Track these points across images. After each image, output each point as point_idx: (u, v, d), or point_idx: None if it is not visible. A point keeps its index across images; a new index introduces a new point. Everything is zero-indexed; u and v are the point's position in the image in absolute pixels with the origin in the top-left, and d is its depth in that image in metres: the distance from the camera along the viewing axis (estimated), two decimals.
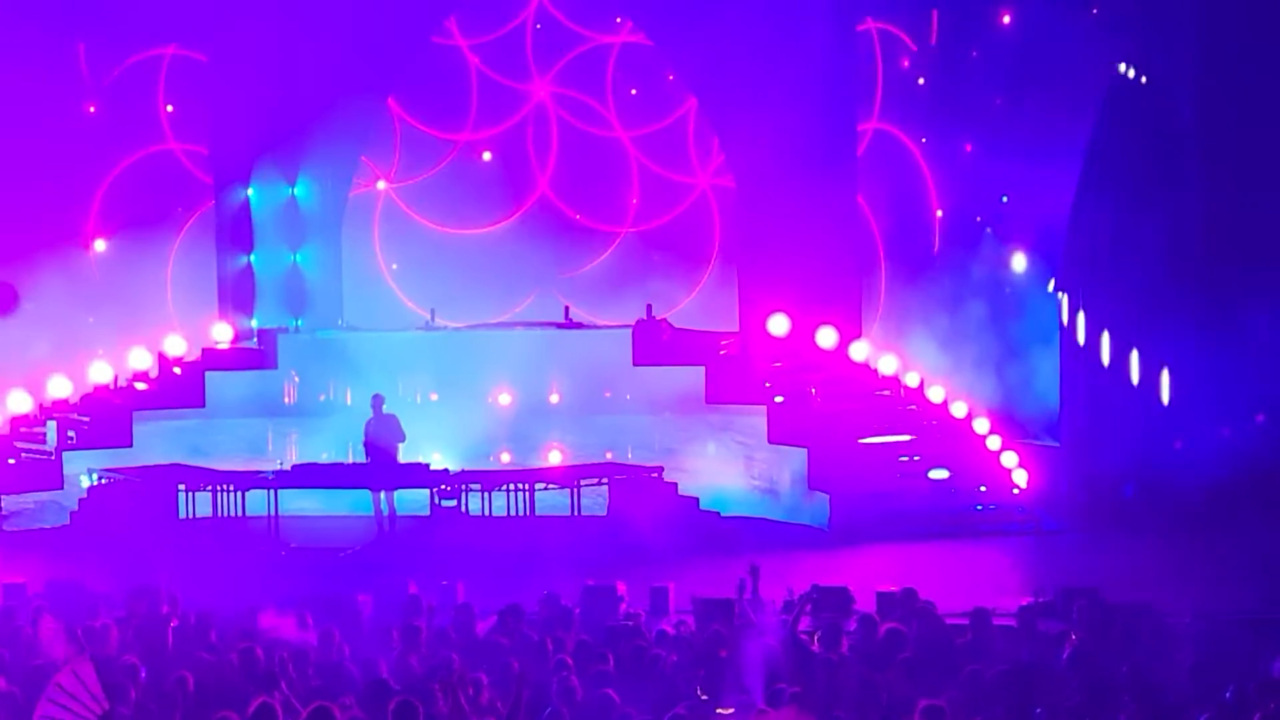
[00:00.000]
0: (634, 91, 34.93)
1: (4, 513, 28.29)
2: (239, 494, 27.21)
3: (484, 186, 35.00)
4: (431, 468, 27.24)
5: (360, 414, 28.80)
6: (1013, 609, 18.86)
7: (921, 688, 13.38)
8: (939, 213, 31.97)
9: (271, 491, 26.78)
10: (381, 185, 34.92)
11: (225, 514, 27.28)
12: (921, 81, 32.51)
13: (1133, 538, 26.23)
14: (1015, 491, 28.24)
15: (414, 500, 27.24)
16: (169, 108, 33.77)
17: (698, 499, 27.54)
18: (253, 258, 33.13)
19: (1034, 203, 29.53)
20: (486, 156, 35.44)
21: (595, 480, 27.22)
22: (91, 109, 33.24)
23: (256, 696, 12.88)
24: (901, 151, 32.34)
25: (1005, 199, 31.08)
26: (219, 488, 27.37)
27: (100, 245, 33.29)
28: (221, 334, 32.13)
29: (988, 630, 16.79)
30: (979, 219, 31.60)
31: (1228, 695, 13.65)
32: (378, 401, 28.08)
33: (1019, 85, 29.73)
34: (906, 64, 32.63)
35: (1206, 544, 24.86)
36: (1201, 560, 24.16)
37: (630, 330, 31.58)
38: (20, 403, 29.47)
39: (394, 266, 35.26)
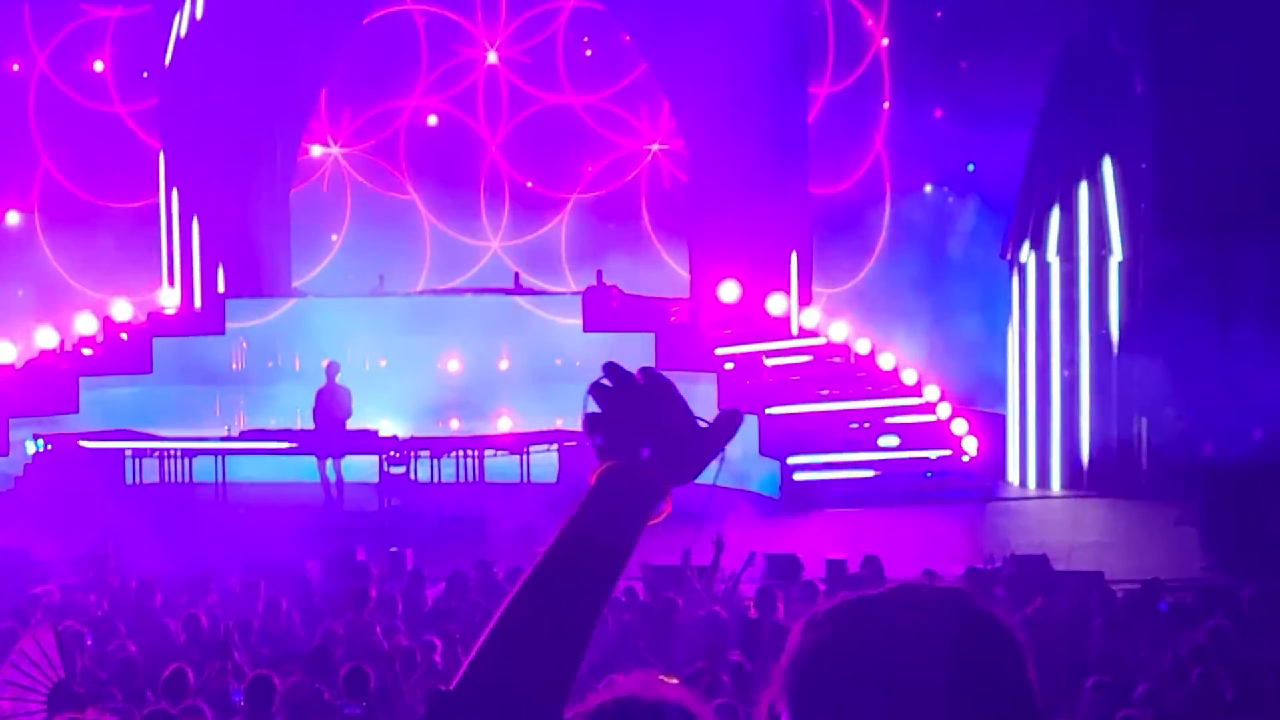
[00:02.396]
0: (589, 54, 34.81)
1: None
2: (186, 460, 27.06)
3: (431, 152, 34.85)
4: (380, 434, 27.12)
5: (309, 380, 28.64)
6: (960, 575, 18.86)
7: None
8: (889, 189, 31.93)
9: (219, 458, 26.63)
10: (317, 151, 34.70)
11: (172, 480, 27.12)
12: (886, 43, 32.42)
13: (1084, 506, 26.31)
14: (965, 459, 28.27)
15: (362, 467, 27.10)
16: (98, 65, 33.55)
17: None
18: (197, 223, 32.86)
19: (999, 170, 29.50)
20: (432, 120, 35.29)
21: (545, 446, 27.14)
22: (15, 67, 33.00)
23: (207, 663, 12.78)
24: (859, 116, 32.24)
25: (971, 167, 31.06)
26: (166, 454, 27.21)
27: (13, 217, 33.08)
28: (168, 299, 31.92)
29: None
30: (945, 188, 31.61)
31: (1168, 660, 13.69)
32: (332, 369, 27.89)
33: (984, 49, 29.65)
34: (869, 24, 32.51)
35: (1157, 513, 24.94)
36: (1150, 529, 24.23)
37: (580, 297, 31.48)
38: None
39: (334, 238, 35.11)
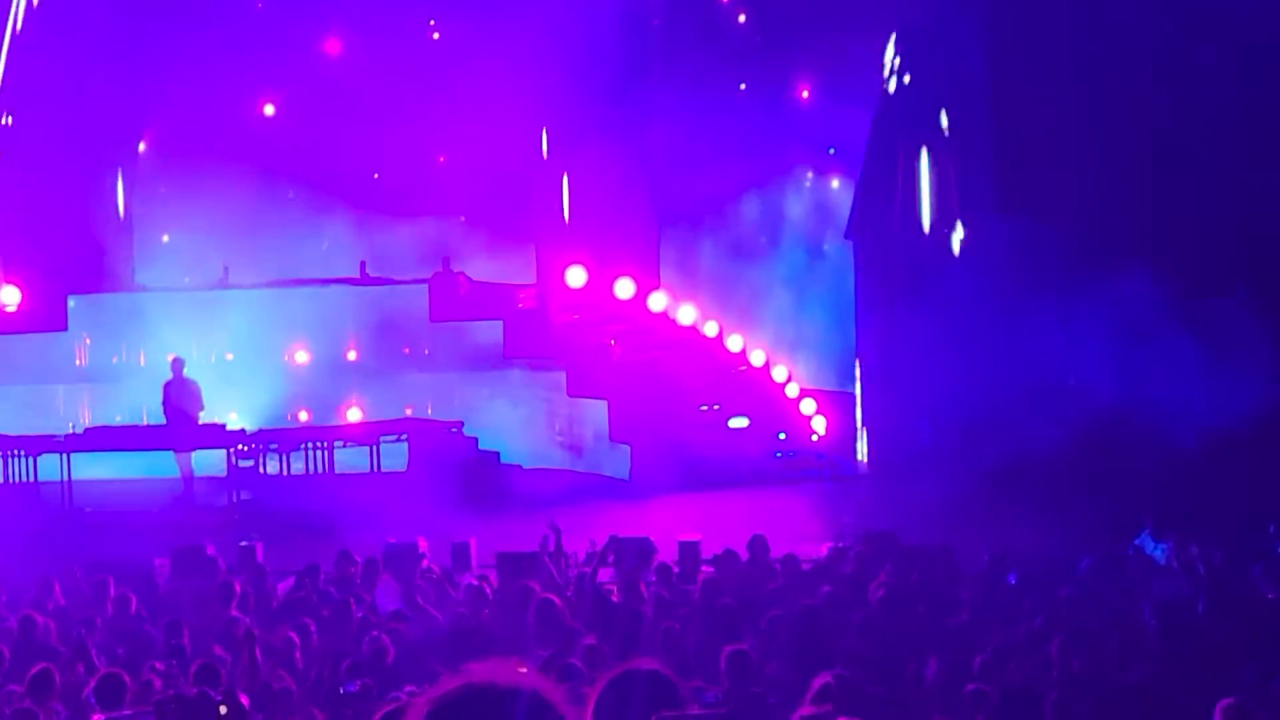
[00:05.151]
0: (436, 37, 34.59)
1: None
2: (30, 459, 26.65)
3: (273, 142, 34.57)
4: (228, 428, 26.88)
5: (154, 376, 28.33)
6: (815, 555, 19.02)
7: (722, 634, 13.43)
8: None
9: (64, 456, 26.26)
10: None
11: (16, 480, 26.72)
12: (743, 19, 32.38)
13: (930, 482, 26.54)
14: (814, 438, 28.48)
15: (211, 461, 26.85)
16: None
17: (498, 453, 27.46)
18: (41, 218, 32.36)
19: (857, 152, 29.65)
20: (269, 110, 35.03)
21: (395, 436, 27.05)
22: None
23: (56, 663, 12.63)
24: (718, 98, 32.15)
25: (832, 150, 31.22)
26: (10, 453, 26.80)
27: None
28: (9, 297, 31.44)
29: (796, 575, 16.93)
30: (808, 170, 31.75)
31: (1022, 631, 13.90)
32: (178, 365, 27.56)
33: (843, 28, 29.73)
34: (726, 1, 32.48)
35: (1006, 489, 25.23)
36: (998, 505, 24.51)
37: (427, 285, 31.37)
38: None
39: (165, 239, 34.76)
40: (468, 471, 26.01)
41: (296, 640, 13.67)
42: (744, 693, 10.80)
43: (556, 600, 14.91)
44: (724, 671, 11.15)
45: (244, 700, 2.87)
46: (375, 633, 13.92)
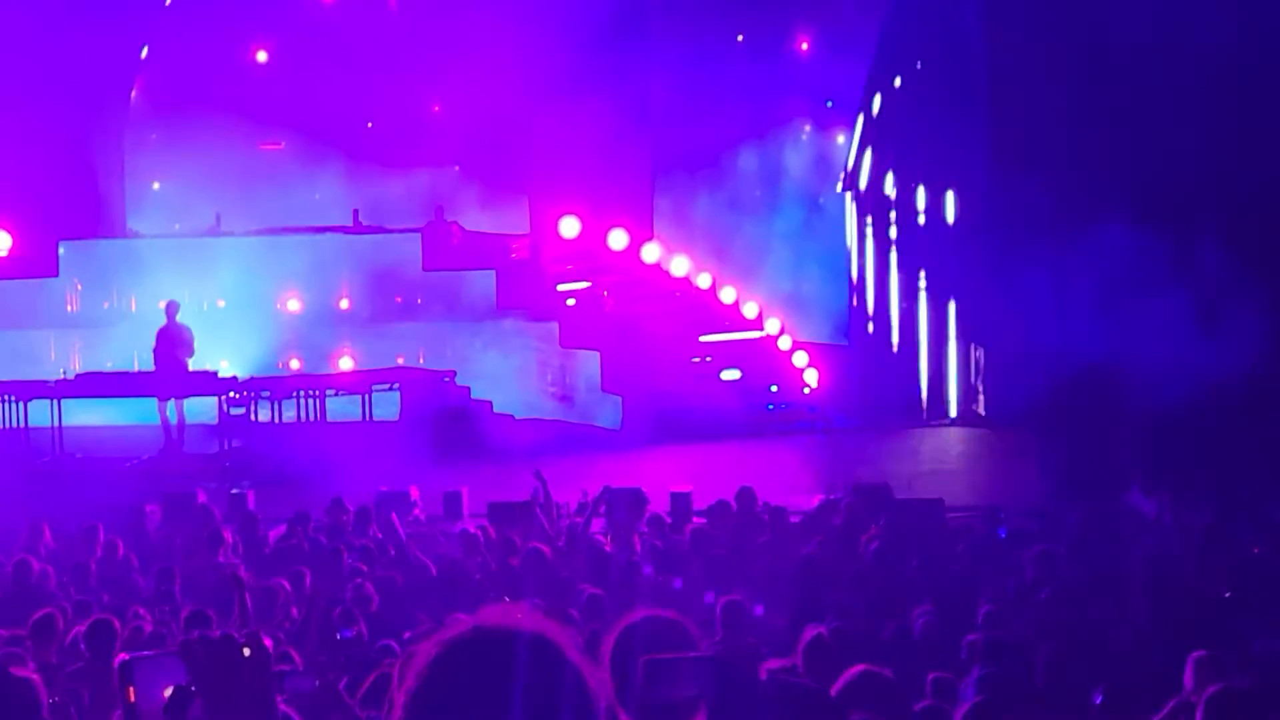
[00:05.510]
0: None
1: None
2: (21, 404, 26.63)
3: (267, 90, 34.47)
4: (220, 375, 26.85)
5: (145, 322, 28.29)
6: (805, 507, 19.06)
7: (718, 584, 13.47)
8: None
9: (55, 402, 26.24)
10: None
11: (7, 425, 26.71)
12: None
13: (924, 435, 26.63)
14: (806, 391, 28.50)
15: (202, 409, 26.84)
16: None
17: (491, 403, 27.48)
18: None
19: (855, 105, 29.59)
20: (262, 57, 34.91)
21: (386, 385, 27.04)
22: None
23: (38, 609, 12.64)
24: (717, 50, 32.03)
25: (830, 103, 31.15)
26: (0, 398, 26.77)
27: None
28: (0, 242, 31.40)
29: (785, 528, 16.97)
30: (806, 123, 31.68)
31: (1009, 587, 13.95)
32: (171, 308, 27.45)
33: None
34: None
35: (995, 442, 25.31)
36: (988, 457, 24.59)
37: (420, 234, 31.33)
38: None
39: (155, 186, 34.67)
40: (458, 421, 26.01)
41: (288, 588, 13.69)
42: (739, 643, 10.84)
43: (547, 550, 14.95)
44: (719, 622, 11.19)
45: (268, 643, 2.89)
46: (359, 580, 13.94)
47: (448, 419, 25.82)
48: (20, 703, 7.05)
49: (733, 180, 32.00)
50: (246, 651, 3.33)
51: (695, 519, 18.36)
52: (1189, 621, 12.18)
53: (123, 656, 3.39)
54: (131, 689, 3.35)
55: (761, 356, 28.62)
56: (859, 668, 6.50)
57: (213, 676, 3.30)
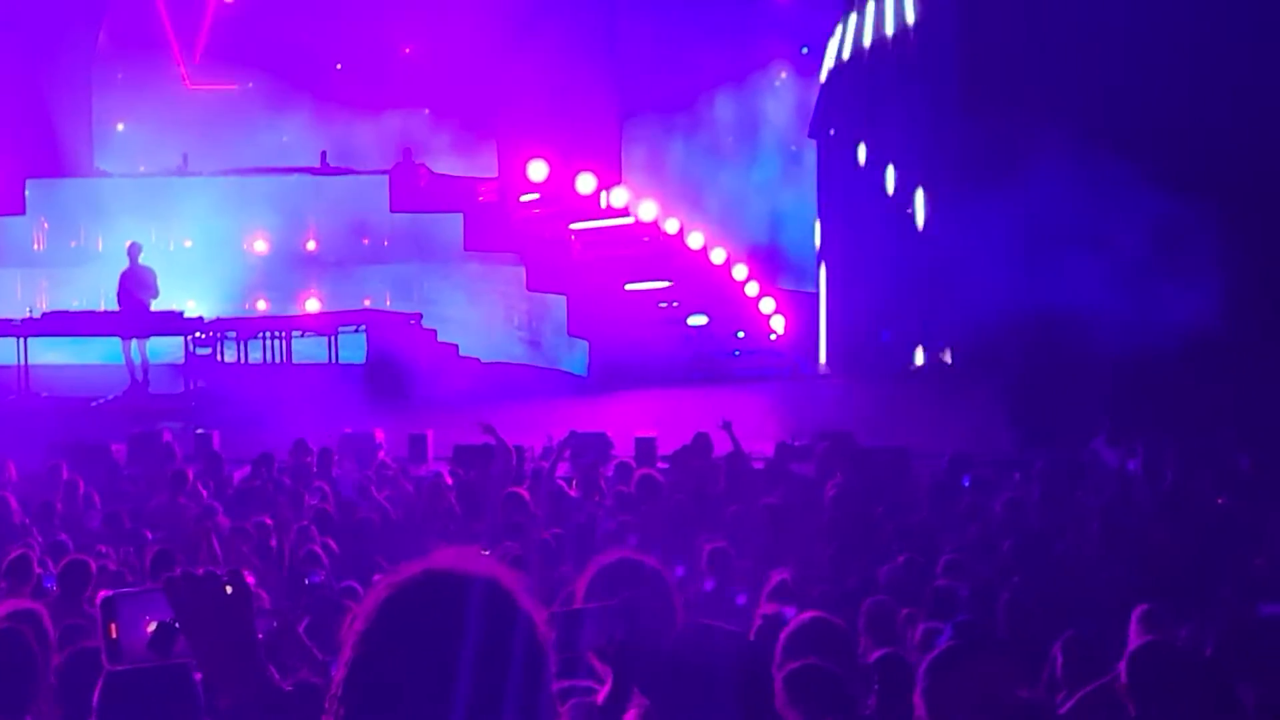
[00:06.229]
0: None
1: None
2: None
3: (235, 30, 34.26)
4: (186, 316, 26.77)
5: (112, 262, 28.19)
6: (767, 453, 19.07)
7: (682, 529, 13.49)
8: None
9: (21, 340, 26.14)
10: None
11: None
12: None
13: (887, 383, 26.65)
14: (772, 337, 28.51)
15: (168, 349, 26.78)
16: None
17: (457, 346, 27.44)
18: None
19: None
20: None
21: (353, 327, 26.99)
22: None
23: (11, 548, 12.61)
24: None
25: (805, 50, 31.06)
26: None
27: None
28: None
29: (746, 473, 16.96)
30: (782, 69, 31.60)
31: (972, 531, 14.00)
32: (134, 250, 27.39)
33: None
34: None
35: (962, 391, 25.32)
36: (956, 406, 24.61)
37: (387, 176, 31.23)
38: None
39: (119, 128, 34.48)
40: (426, 364, 25.97)
41: (253, 533, 13.67)
42: (723, 590, 10.89)
43: (513, 493, 14.95)
44: (706, 568, 11.23)
45: (250, 579, 2.89)
46: (316, 532, 13.91)
47: (414, 363, 25.73)
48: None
49: (708, 126, 31.90)
50: (229, 589, 3.34)
51: (660, 464, 18.32)
52: (1151, 572, 12.23)
53: (105, 593, 3.40)
54: (114, 625, 3.36)
55: (729, 303, 28.60)
56: (807, 614, 6.51)
57: (196, 613, 3.31)
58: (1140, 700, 6.39)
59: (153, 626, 3.35)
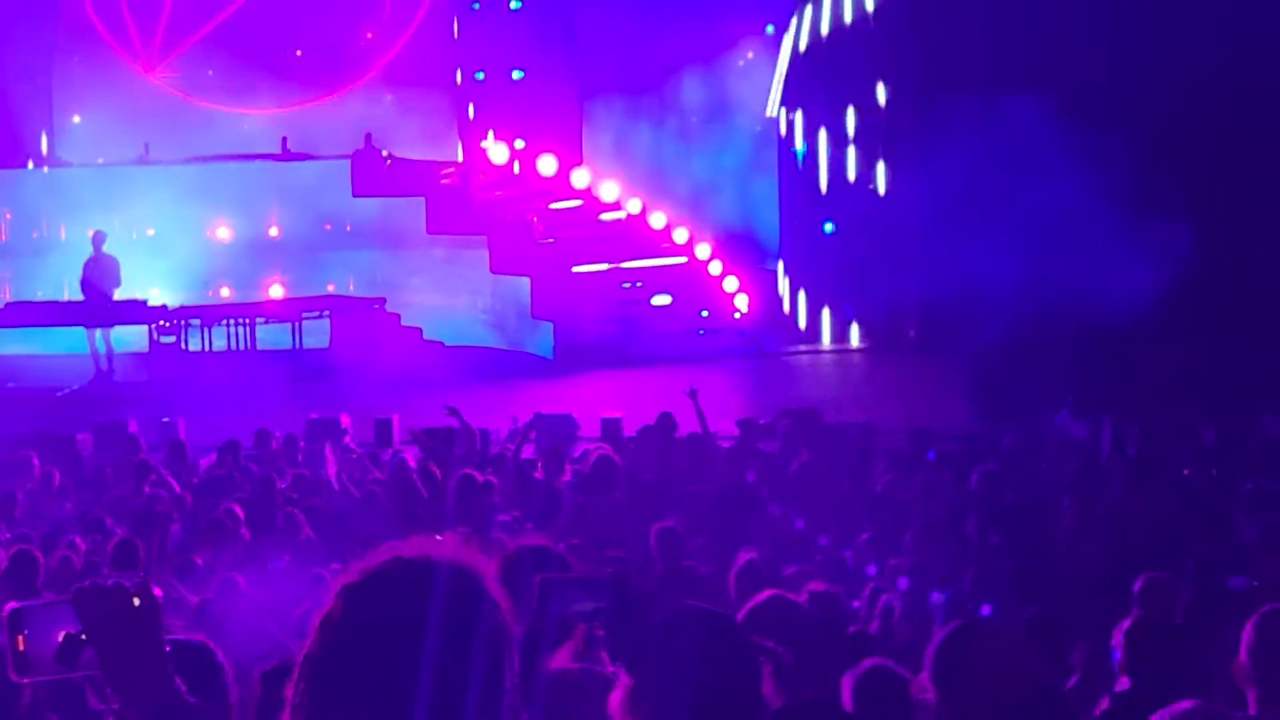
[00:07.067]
0: None
1: None
2: None
3: (187, 19, 34.10)
4: (149, 304, 26.72)
5: (75, 251, 28.09)
6: (732, 432, 19.08)
7: (643, 511, 13.50)
8: None
9: None
10: None
11: None
12: None
13: (854, 360, 26.71)
14: (736, 316, 28.52)
15: (132, 338, 26.71)
16: None
17: (421, 330, 27.43)
18: None
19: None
20: None
21: (316, 313, 26.95)
22: None
23: None
24: None
25: (770, 29, 31.04)
26: None
27: None
28: None
29: (710, 452, 16.98)
30: (748, 50, 31.61)
31: (940, 509, 14.04)
32: (98, 239, 27.29)
33: None
34: None
35: (924, 366, 25.37)
36: (919, 381, 24.66)
37: (349, 161, 31.16)
38: None
39: (76, 119, 34.30)
40: (390, 348, 25.94)
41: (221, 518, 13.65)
42: (675, 567, 10.89)
43: (476, 476, 14.93)
44: (653, 549, 11.22)
45: (157, 592, 2.88)
46: (290, 509, 13.93)
47: (378, 347, 25.69)
48: None
49: (674, 107, 31.85)
50: (136, 601, 3.33)
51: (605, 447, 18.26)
52: (1119, 543, 12.28)
53: (12, 605, 3.38)
54: (21, 637, 3.35)
55: (692, 282, 28.60)
56: (767, 593, 6.51)
57: (103, 625, 3.30)
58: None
59: (61, 638, 3.33)
